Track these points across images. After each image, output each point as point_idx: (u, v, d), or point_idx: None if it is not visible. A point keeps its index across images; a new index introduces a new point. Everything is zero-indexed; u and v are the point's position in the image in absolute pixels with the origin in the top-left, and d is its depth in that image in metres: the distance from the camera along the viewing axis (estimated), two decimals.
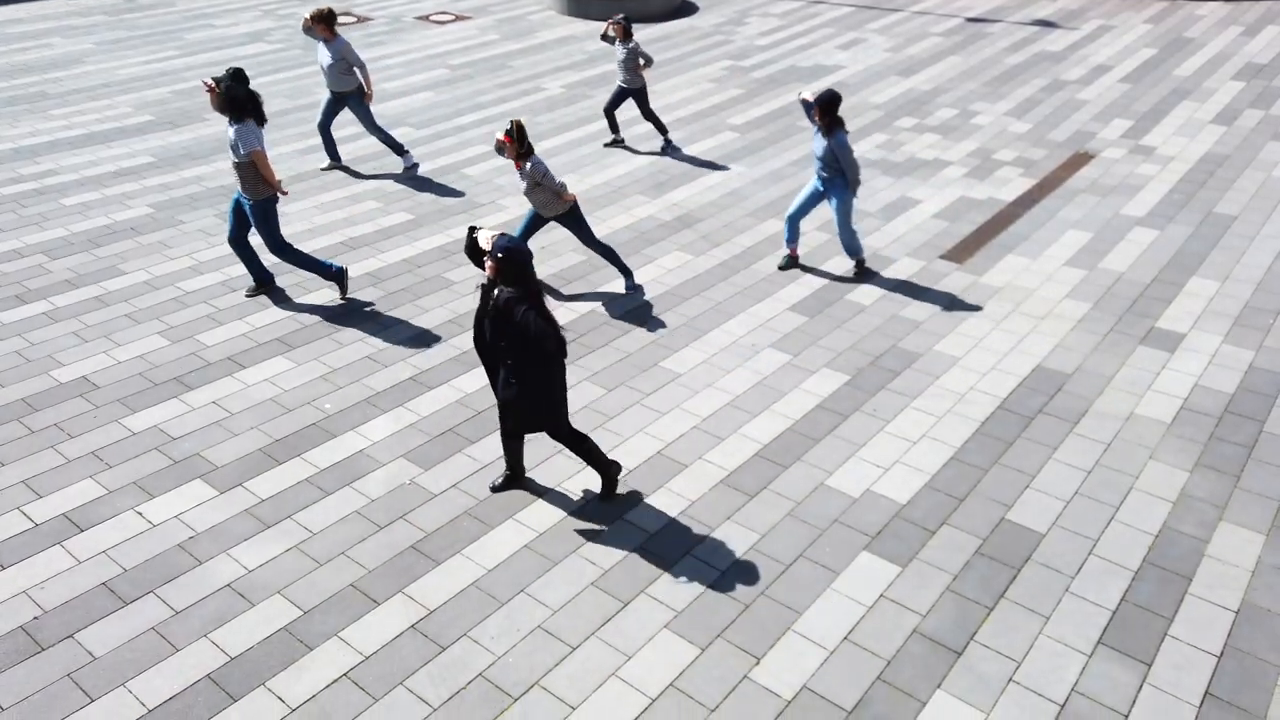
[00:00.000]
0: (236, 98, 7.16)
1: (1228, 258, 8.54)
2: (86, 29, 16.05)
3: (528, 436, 6.29)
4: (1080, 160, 10.75)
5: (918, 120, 12.00)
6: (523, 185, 7.43)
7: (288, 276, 8.28)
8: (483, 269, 5.19)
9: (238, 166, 7.30)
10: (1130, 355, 7.15)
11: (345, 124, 11.92)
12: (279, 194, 7.35)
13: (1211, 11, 16.90)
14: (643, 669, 4.68)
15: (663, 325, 7.59)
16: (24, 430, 6.34)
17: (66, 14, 17.01)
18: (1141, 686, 4.58)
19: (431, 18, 16.92)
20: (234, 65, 7.21)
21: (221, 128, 11.68)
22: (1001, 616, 4.96)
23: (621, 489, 5.85)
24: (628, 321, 7.64)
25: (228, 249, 8.72)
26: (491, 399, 6.69)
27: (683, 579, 5.20)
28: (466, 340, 7.38)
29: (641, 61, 10.32)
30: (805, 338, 7.41)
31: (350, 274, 8.31)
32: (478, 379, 6.91)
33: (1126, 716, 4.43)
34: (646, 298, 7.99)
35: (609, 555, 5.35)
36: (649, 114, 10.66)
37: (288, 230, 9.10)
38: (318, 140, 11.34)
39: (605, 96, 12.85)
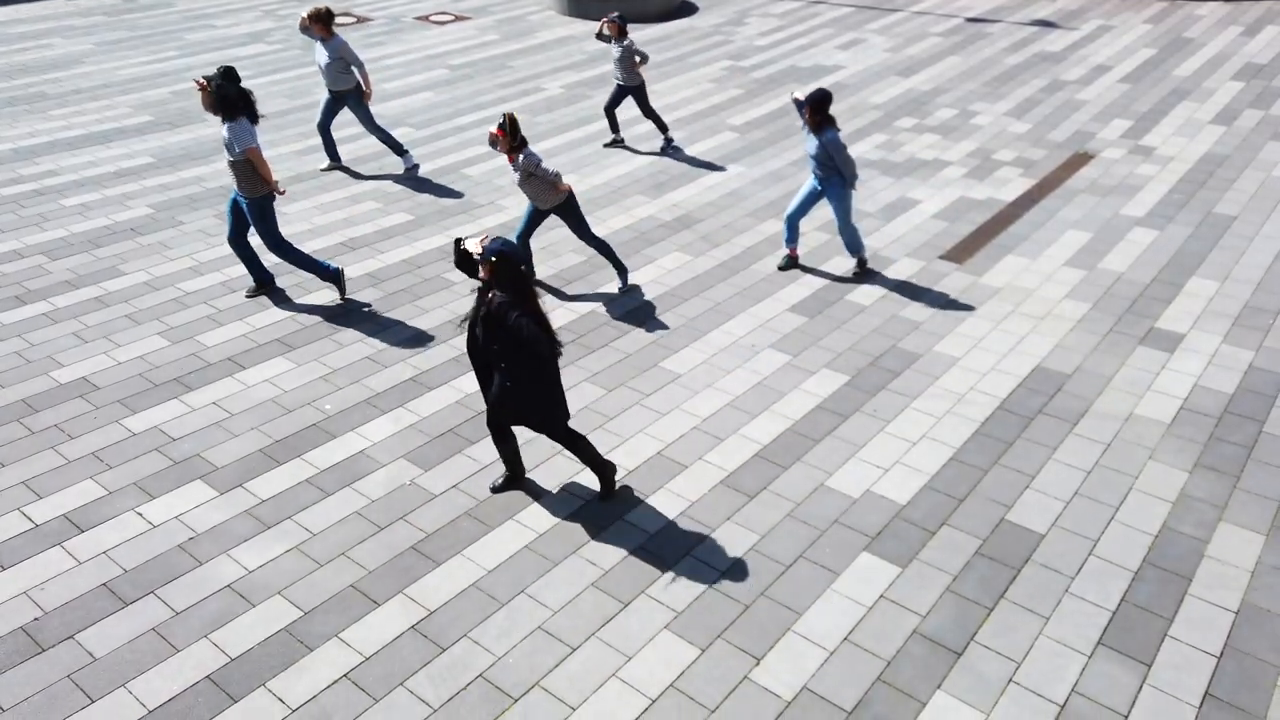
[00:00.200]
0: (228, 96, 7.16)
1: (1227, 258, 8.54)
2: (86, 29, 16.05)
3: (527, 436, 6.29)
4: (1080, 160, 10.76)
5: (917, 120, 12.01)
6: (516, 178, 7.44)
7: (288, 277, 8.28)
8: (476, 278, 5.20)
9: (233, 165, 7.30)
10: (1130, 355, 7.15)
11: (345, 124, 11.92)
12: (276, 193, 7.37)
13: (1211, 12, 16.91)
14: (643, 669, 4.68)
15: (662, 326, 7.59)
16: (24, 431, 6.35)
17: (66, 14, 17.01)
18: (1141, 687, 4.58)
19: (431, 18, 16.92)
20: (227, 65, 7.20)
21: (221, 129, 11.67)
22: (1001, 617, 4.96)
23: (621, 489, 5.86)
24: (627, 322, 7.64)
25: (228, 249, 8.72)
26: None
27: (683, 579, 5.20)
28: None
29: (637, 59, 10.32)
30: (805, 338, 7.42)
31: (350, 275, 8.31)
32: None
33: (1126, 717, 4.44)
34: (646, 298, 7.99)
35: (609, 556, 5.36)
36: (649, 112, 10.66)
37: (287, 231, 9.11)
38: (317, 141, 11.35)
39: (605, 96, 12.86)
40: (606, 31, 10.40)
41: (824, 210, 9.56)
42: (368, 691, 4.57)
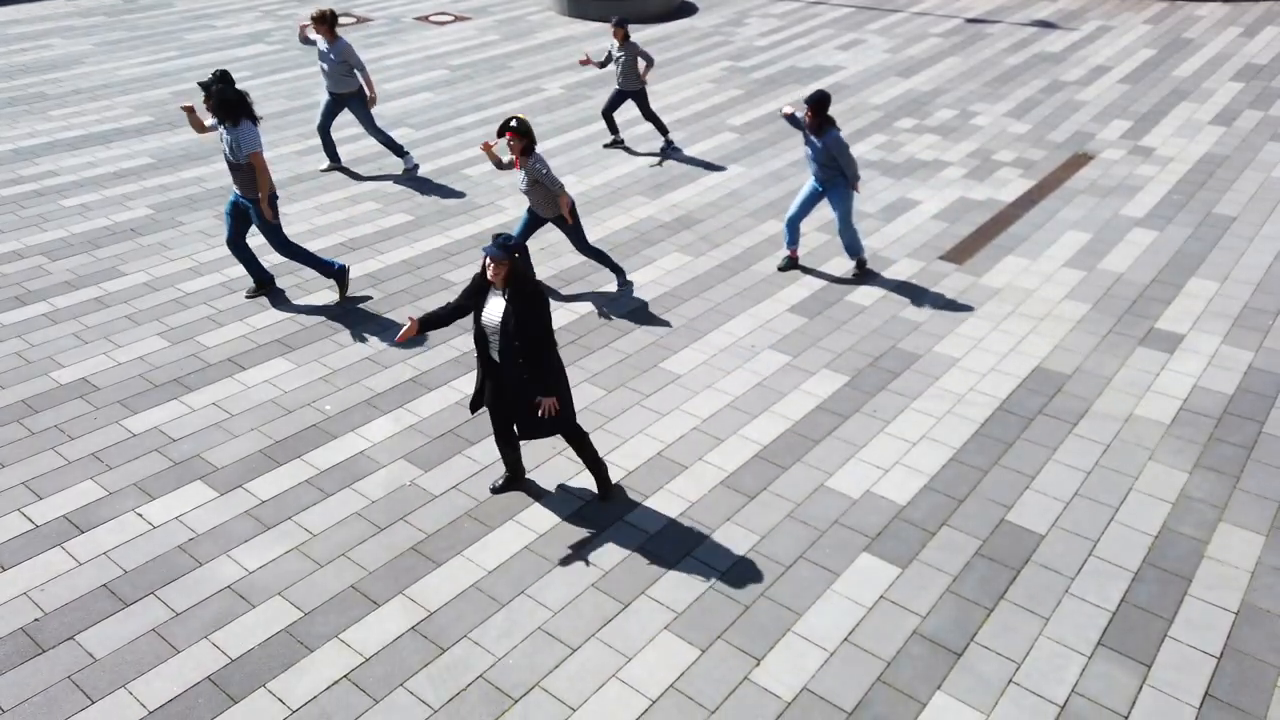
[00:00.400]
0: (229, 100, 7.14)
1: (1227, 258, 8.55)
2: (86, 30, 16.05)
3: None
4: (1080, 161, 10.76)
5: (917, 121, 12.01)
6: (521, 183, 7.45)
7: (288, 278, 8.28)
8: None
9: (235, 168, 7.31)
10: (1129, 356, 7.16)
11: (344, 125, 11.92)
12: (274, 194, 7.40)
13: (1211, 12, 16.91)
14: (643, 670, 4.68)
15: (662, 326, 7.59)
16: (24, 432, 6.35)
17: (66, 15, 17.01)
18: (1141, 687, 4.58)
19: (431, 18, 16.92)
20: (222, 67, 7.22)
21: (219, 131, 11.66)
22: (1001, 618, 4.97)
23: (620, 490, 5.86)
24: (627, 323, 7.64)
25: (227, 250, 8.72)
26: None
27: (683, 580, 5.20)
28: (466, 341, 7.38)
29: (642, 65, 10.32)
30: (805, 339, 7.42)
31: (350, 275, 8.31)
32: None
33: (1126, 717, 4.44)
34: (646, 299, 7.99)
35: (609, 556, 5.36)
36: (649, 115, 10.66)
37: (288, 231, 9.10)
38: (317, 141, 11.35)
39: (605, 97, 12.86)
40: (615, 39, 10.40)
41: (823, 211, 9.56)
42: (368, 692, 4.58)
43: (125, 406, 6.61)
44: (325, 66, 9.72)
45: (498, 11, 17.46)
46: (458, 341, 7.38)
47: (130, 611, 5.00)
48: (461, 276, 8.31)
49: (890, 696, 4.54)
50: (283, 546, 5.43)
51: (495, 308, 5.13)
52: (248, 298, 7.93)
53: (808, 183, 8.12)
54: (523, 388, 5.20)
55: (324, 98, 12.23)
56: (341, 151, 11.03)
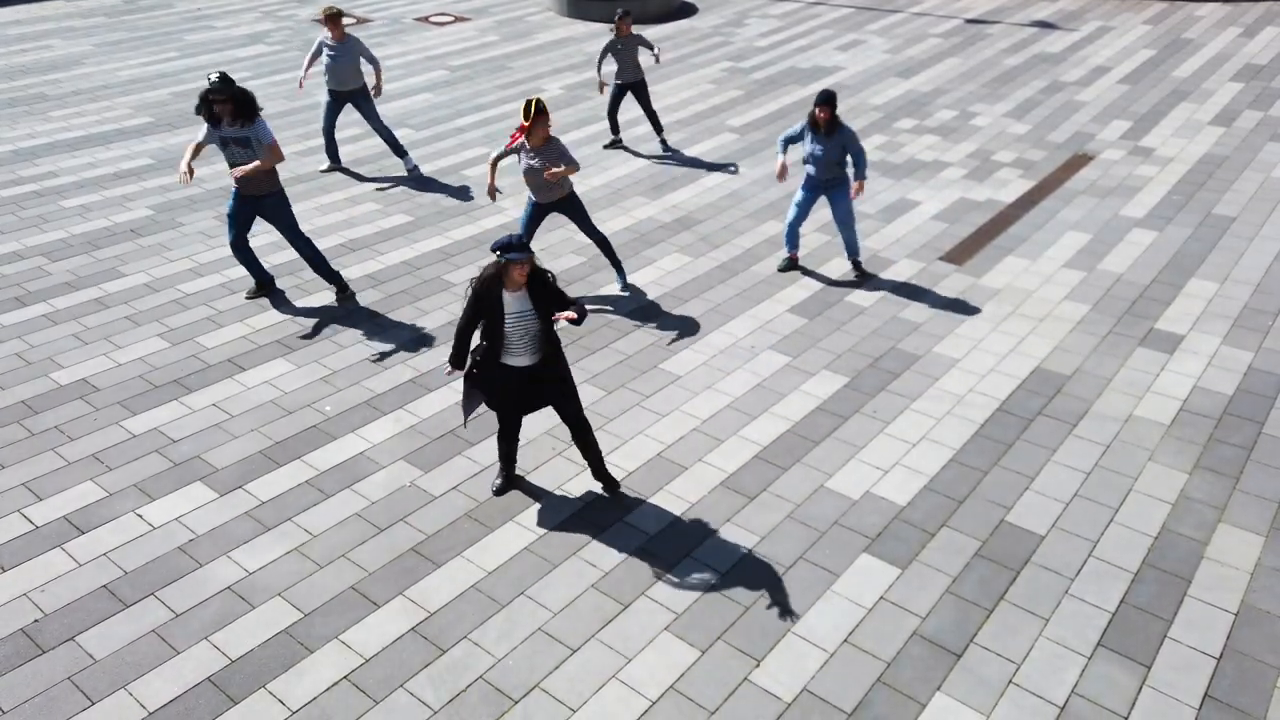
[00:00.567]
0: (249, 99, 7.19)
1: (1226, 259, 8.55)
2: (86, 31, 16.05)
3: (526, 437, 6.29)
4: (1079, 162, 10.76)
5: (917, 122, 12.01)
6: (528, 166, 7.32)
7: (288, 279, 8.29)
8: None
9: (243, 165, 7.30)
10: (1129, 357, 7.16)
11: (342, 125, 11.92)
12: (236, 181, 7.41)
13: (1210, 13, 16.92)
14: (643, 671, 4.69)
15: (662, 327, 7.60)
16: (24, 433, 6.35)
17: (66, 15, 17.01)
18: (1141, 688, 4.58)
19: (431, 19, 16.93)
20: (220, 69, 7.21)
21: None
22: (1001, 618, 4.97)
23: (621, 491, 5.86)
24: (627, 324, 7.65)
25: (227, 251, 8.72)
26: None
27: (683, 581, 5.21)
28: None
29: (655, 50, 10.37)
30: (805, 339, 7.42)
31: (350, 276, 8.31)
32: None
33: (1126, 718, 4.44)
34: (646, 300, 7.99)
35: (609, 557, 5.36)
36: (650, 108, 10.68)
37: None
38: (317, 142, 11.35)
39: (601, 98, 12.86)
40: (622, 33, 10.36)
41: (821, 212, 9.56)
42: (368, 693, 4.58)
43: (125, 407, 6.61)
44: (333, 64, 9.72)
45: (498, 12, 17.47)
46: None
47: (130, 612, 5.00)
48: (461, 278, 8.31)
49: (890, 697, 4.55)
50: (283, 547, 5.43)
51: (518, 304, 5.18)
52: (248, 299, 7.94)
53: (801, 188, 8.09)
54: (554, 363, 5.36)
55: (323, 98, 12.24)
56: (342, 152, 11.03)
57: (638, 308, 7.87)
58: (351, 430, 6.40)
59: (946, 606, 5.04)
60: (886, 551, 5.40)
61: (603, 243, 7.85)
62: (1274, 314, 7.69)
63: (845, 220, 7.99)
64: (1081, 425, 6.42)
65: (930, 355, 7.21)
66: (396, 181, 10.32)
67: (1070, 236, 9.02)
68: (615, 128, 10.99)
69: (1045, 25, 16.43)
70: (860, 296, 8.02)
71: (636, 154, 11.07)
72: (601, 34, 16.05)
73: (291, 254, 8.68)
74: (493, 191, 7.52)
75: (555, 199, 7.56)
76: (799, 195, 8.11)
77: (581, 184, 10.25)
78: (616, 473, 6.01)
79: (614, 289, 8.13)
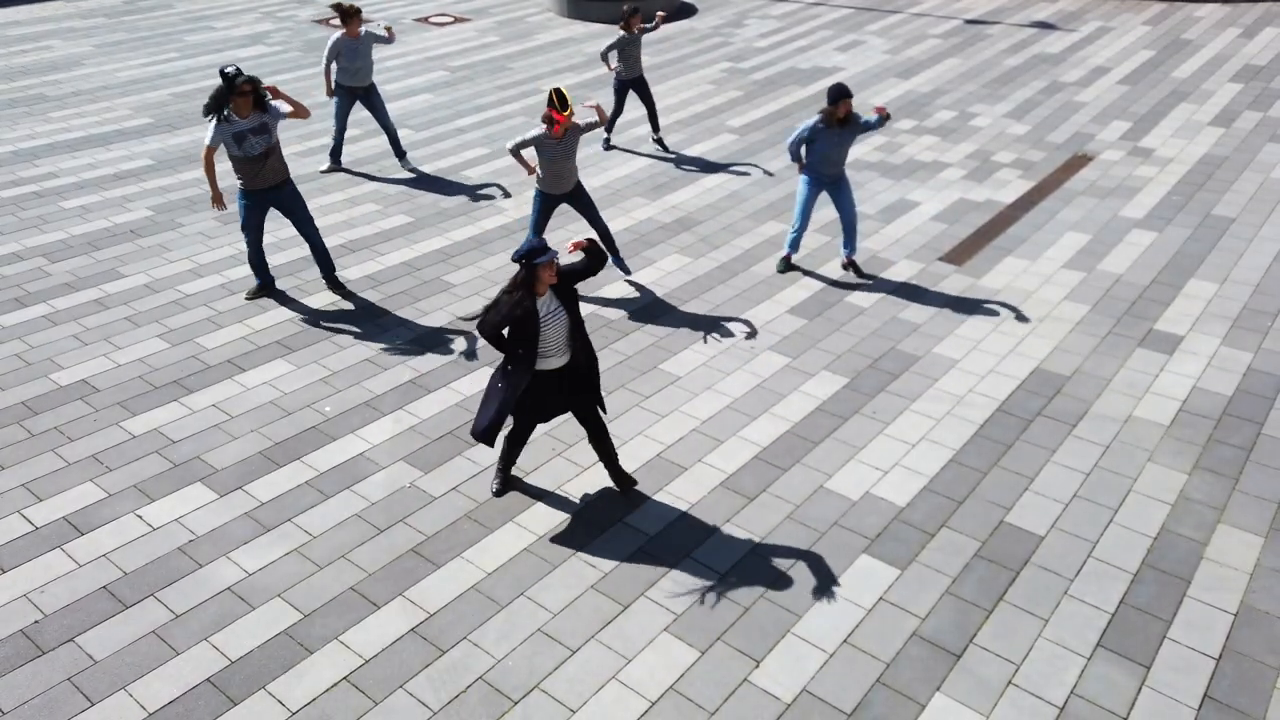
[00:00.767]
0: (261, 90, 7.28)
1: (1226, 259, 8.55)
2: (86, 31, 16.05)
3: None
4: (1079, 162, 10.77)
5: (916, 122, 12.02)
6: (553, 152, 7.47)
7: (288, 280, 8.29)
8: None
9: (268, 155, 7.34)
10: (1129, 357, 7.16)
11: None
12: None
13: (1210, 13, 16.92)
14: (643, 672, 4.69)
15: (661, 328, 7.60)
16: (24, 434, 6.35)
17: (66, 16, 17.01)
18: (1140, 689, 4.59)
19: (431, 20, 16.93)
20: (223, 68, 7.20)
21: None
22: (1001, 619, 4.97)
23: (634, 490, 5.87)
24: (627, 324, 7.65)
25: (227, 252, 8.72)
26: None
27: (682, 582, 5.21)
28: (466, 342, 7.39)
29: (660, 15, 10.40)
30: (804, 340, 7.43)
31: (350, 277, 8.33)
32: (477, 381, 6.92)
33: (1125, 719, 4.44)
34: (645, 300, 8.00)
35: (608, 558, 5.36)
36: (651, 101, 10.70)
37: (290, 232, 9.11)
38: (318, 143, 11.35)
39: (603, 98, 12.86)
40: (636, 30, 10.37)
41: (820, 213, 9.56)
42: (368, 694, 4.58)
43: (125, 408, 6.61)
44: (352, 63, 9.76)
45: (497, 13, 17.47)
46: (457, 343, 7.38)
47: (130, 613, 5.00)
48: (461, 279, 8.31)
49: (889, 698, 4.55)
50: (282, 548, 5.44)
51: (546, 305, 5.21)
52: (248, 299, 7.94)
53: (803, 188, 8.04)
54: (588, 355, 5.40)
55: (321, 99, 12.26)
56: (342, 152, 11.02)
57: (637, 308, 7.87)
58: (351, 431, 6.41)
59: (946, 607, 5.04)
60: (886, 552, 5.40)
61: (605, 233, 7.91)
62: (1273, 315, 7.69)
63: (853, 210, 8.02)
64: (1081, 426, 6.42)
65: (930, 356, 7.21)
66: (413, 173, 10.34)
67: (1070, 237, 9.02)
68: (611, 125, 11.02)
69: (1045, 26, 16.44)
70: (860, 297, 8.02)
71: (636, 154, 11.07)
72: (601, 34, 16.05)
73: (291, 255, 8.69)
74: (532, 169, 7.65)
75: (567, 190, 7.65)
76: (805, 194, 8.04)
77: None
78: None
79: (615, 289, 8.13)
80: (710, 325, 7.63)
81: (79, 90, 13.11)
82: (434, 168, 10.69)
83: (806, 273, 8.41)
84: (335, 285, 8.04)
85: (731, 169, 10.65)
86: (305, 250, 8.77)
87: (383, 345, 7.35)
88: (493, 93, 13.13)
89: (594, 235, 5.14)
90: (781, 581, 5.20)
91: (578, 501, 5.78)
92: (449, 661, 4.75)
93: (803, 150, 7.85)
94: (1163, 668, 4.69)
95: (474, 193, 10.07)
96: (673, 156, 10.99)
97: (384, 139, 11.43)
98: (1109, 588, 5.15)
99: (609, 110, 11.13)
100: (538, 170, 7.65)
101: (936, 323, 7.64)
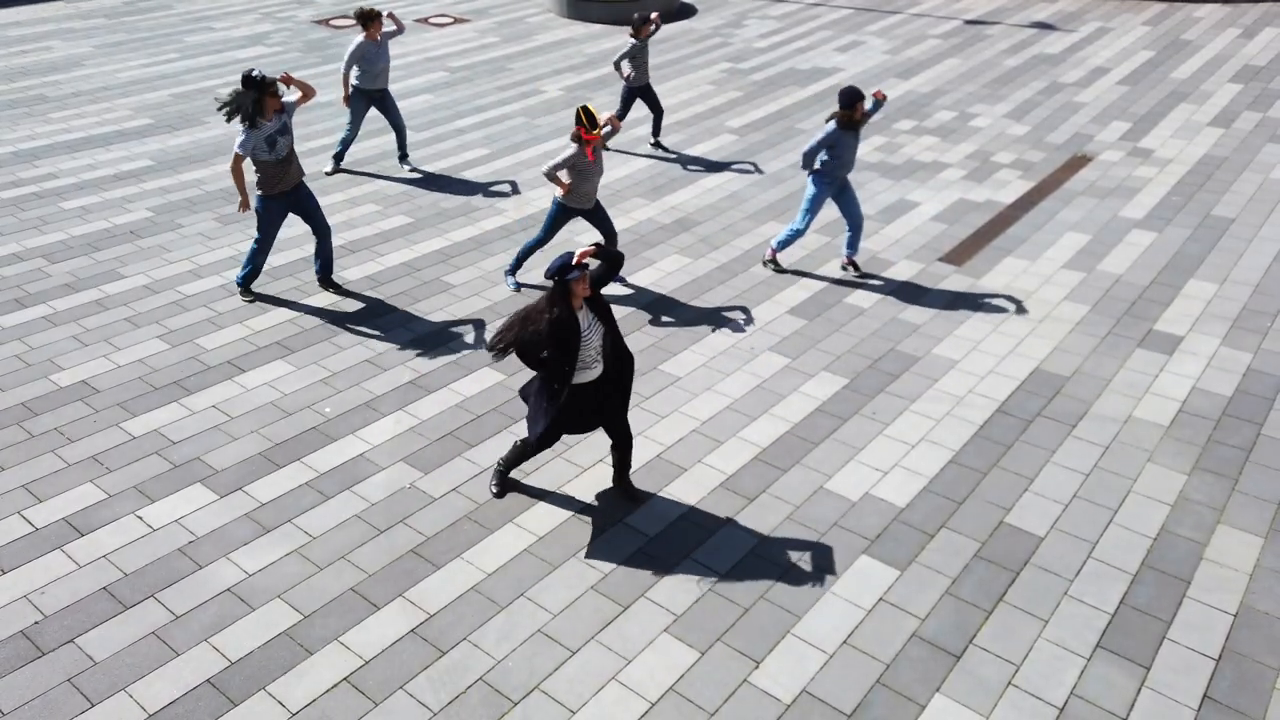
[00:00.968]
0: (278, 89, 7.35)
1: (1225, 260, 8.56)
2: (86, 32, 16.05)
3: (520, 436, 6.29)
4: (1079, 163, 10.77)
5: (916, 123, 12.02)
6: (585, 172, 7.43)
7: (287, 280, 8.29)
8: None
9: (290, 158, 7.36)
10: (1128, 358, 7.17)
11: (341, 128, 11.91)
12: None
13: (1209, 14, 16.93)
14: (643, 672, 4.69)
15: (661, 328, 7.60)
16: (24, 434, 6.35)
17: (66, 17, 17.01)
18: (1140, 690, 4.59)
19: (430, 20, 16.93)
20: (233, 71, 7.23)
21: (220, 131, 11.68)
22: (1000, 620, 4.97)
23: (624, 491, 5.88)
24: (626, 325, 7.65)
25: (227, 252, 8.72)
26: (491, 402, 6.70)
27: (682, 582, 5.21)
28: (466, 343, 7.39)
29: (655, 21, 10.44)
30: (804, 341, 7.43)
31: (350, 277, 8.33)
32: (477, 382, 6.92)
33: None
34: (644, 301, 8.00)
35: (608, 559, 5.37)
36: (658, 105, 10.70)
37: (289, 233, 9.11)
38: (318, 144, 11.35)
39: (604, 99, 12.86)
40: (643, 36, 10.38)
41: (821, 213, 9.56)
42: (368, 695, 4.58)
43: (125, 409, 6.61)
44: (373, 66, 9.78)
45: (497, 13, 17.47)
46: (457, 344, 7.38)
47: (130, 614, 5.00)
48: (460, 279, 8.32)
49: (889, 699, 4.55)
50: (282, 549, 5.44)
51: (587, 318, 5.20)
52: (247, 301, 7.94)
53: (818, 190, 7.89)
54: (622, 360, 5.40)
55: (325, 99, 12.26)
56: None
57: (637, 309, 7.87)
58: (351, 432, 6.41)
59: (946, 608, 5.05)
60: (886, 553, 5.40)
61: (611, 234, 7.91)
62: (1273, 315, 7.69)
63: (860, 211, 8.00)
64: (1081, 426, 6.43)
65: (929, 356, 7.21)
66: (413, 174, 10.34)
67: (1069, 237, 9.02)
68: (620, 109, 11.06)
69: (1044, 26, 16.44)
70: (859, 298, 8.02)
71: (636, 155, 11.07)
72: (601, 35, 16.05)
73: (291, 255, 8.69)
74: (568, 189, 7.51)
75: (588, 208, 7.66)
76: (821, 195, 7.91)
77: None
78: None
79: (615, 290, 8.13)
80: (710, 326, 7.63)
81: (79, 91, 13.11)
82: (434, 168, 10.69)
83: (806, 274, 8.41)
84: (331, 285, 8.03)
85: (731, 169, 10.65)
86: (305, 251, 8.77)
87: (383, 346, 7.36)
88: (493, 93, 13.13)
89: (599, 238, 5.10)
90: (781, 582, 5.21)
91: (578, 503, 5.78)
92: (449, 662, 4.75)
93: (819, 157, 7.82)
94: (1162, 668, 4.70)
95: (474, 193, 10.07)
96: (672, 157, 11.00)
97: (383, 139, 11.42)
98: (1109, 588, 5.15)
99: (620, 119, 11.13)
100: (571, 187, 7.55)
101: (936, 323, 7.64)
